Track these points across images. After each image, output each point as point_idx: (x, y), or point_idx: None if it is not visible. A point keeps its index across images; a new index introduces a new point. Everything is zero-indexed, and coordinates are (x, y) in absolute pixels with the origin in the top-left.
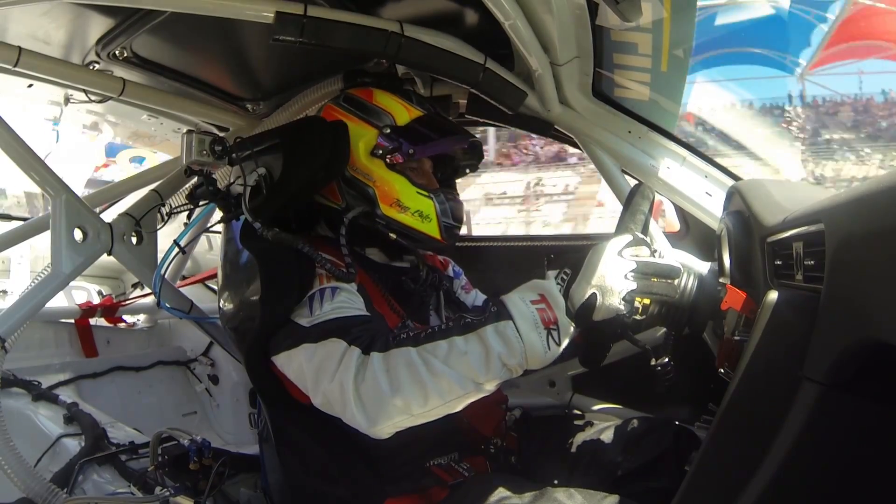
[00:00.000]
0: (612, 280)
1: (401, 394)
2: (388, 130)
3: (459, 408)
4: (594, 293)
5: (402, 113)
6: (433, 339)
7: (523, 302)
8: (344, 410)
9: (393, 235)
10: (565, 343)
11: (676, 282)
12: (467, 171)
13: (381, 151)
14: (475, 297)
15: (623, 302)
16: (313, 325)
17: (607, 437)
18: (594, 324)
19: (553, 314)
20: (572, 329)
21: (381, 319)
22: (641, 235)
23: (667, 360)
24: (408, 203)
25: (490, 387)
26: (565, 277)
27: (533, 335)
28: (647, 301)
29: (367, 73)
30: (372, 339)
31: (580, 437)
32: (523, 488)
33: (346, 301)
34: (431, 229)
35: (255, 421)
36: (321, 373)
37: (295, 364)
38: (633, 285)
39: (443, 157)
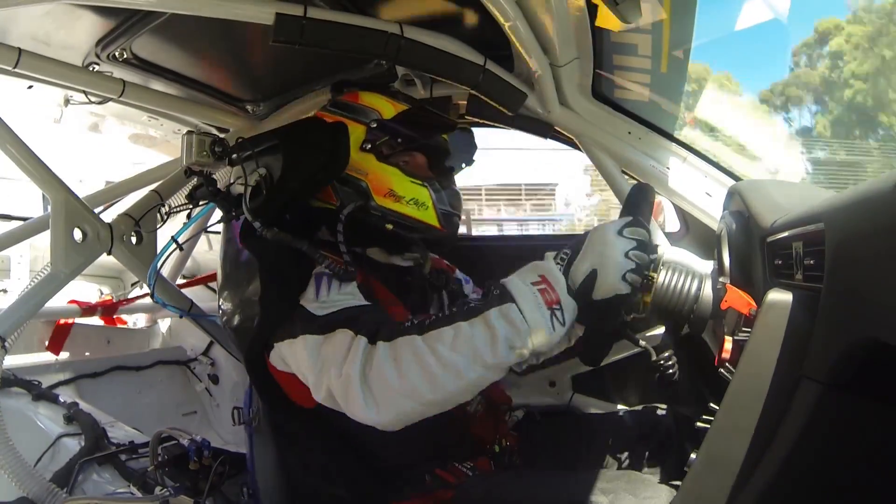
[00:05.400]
0: (612, 257)
1: (409, 382)
2: (375, 124)
3: (470, 396)
4: (594, 270)
5: (388, 108)
6: (438, 326)
7: (524, 283)
8: (351, 403)
9: (389, 226)
10: (570, 322)
11: (667, 278)
12: (463, 165)
13: (369, 145)
14: None
15: (623, 282)
16: (321, 314)
17: (609, 431)
18: (595, 302)
19: (555, 294)
20: (576, 308)
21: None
22: (642, 220)
23: (667, 353)
24: (402, 192)
25: (499, 372)
26: (564, 257)
27: (536, 315)
28: (647, 299)
29: (354, 83)
30: (377, 328)
31: (582, 434)
32: (528, 483)
33: (351, 293)
34: (429, 217)
35: (242, 416)
36: (327, 365)
37: (298, 354)
38: (633, 264)
39: (437, 151)
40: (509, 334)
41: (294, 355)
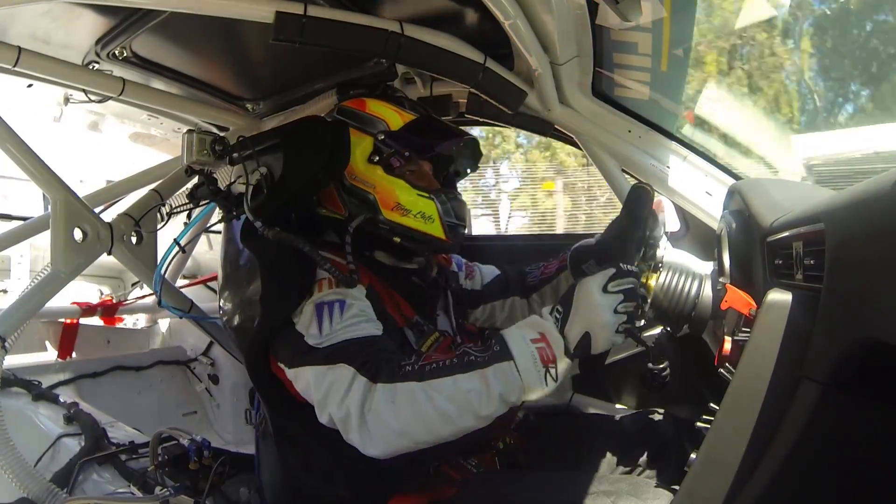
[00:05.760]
0: (601, 319)
1: (405, 427)
2: (383, 136)
3: (459, 436)
4: (587, 332)
5: (395, 118)
6: (438, 376)
7: (524, 341)
8: (349, 433)
9: (397, 239)
10: (562, 378)
11: (667, 279)
12: (468, 170)
13: (377, 158)
14: (481, 277)
15: (617, 334)
16: (322, 346)
17: (610, 432)
18: (593, 355)
19: (552, 352)
20: (570, 366)
21: (390, 333)
22: (628, 266)
23: (663, 365)
24: (409, 206)
25: (490, 420)
26: (558, 316)
27: (532, 374)
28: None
29: (361, 85)
30: (378, 368)
31: (583, 434)
32: (531, 483)
33: (356, 316)
34: (435, 230)
35: (253, 417)
36: (329, 397)
37: (304, 382)
38: (624, 316)
39: (442, 158)
40: (503, 391)
41: (296, 380)
